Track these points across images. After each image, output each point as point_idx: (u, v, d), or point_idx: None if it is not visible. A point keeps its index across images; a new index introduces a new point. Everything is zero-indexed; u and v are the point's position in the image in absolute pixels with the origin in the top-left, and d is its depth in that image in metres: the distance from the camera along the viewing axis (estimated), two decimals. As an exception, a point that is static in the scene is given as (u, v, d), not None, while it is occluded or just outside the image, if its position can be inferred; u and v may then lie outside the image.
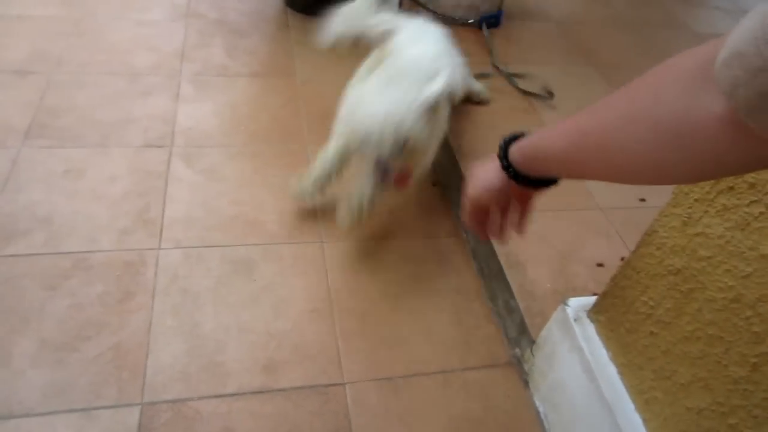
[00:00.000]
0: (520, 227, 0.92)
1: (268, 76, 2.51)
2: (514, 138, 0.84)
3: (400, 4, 2.80)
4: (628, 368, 1.19)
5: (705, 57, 0.49)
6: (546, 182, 0.84)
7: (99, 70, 2.35)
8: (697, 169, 0.52)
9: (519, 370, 1.55)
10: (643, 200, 1.98)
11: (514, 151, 0.82)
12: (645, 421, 1.14)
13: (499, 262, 1.68)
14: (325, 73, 2.59)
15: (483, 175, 0.89)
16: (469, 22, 2.84)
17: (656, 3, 3.58)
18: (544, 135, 0.76)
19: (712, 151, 0.49)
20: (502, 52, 2.73)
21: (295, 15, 2.94)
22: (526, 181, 0.83)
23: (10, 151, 1.91)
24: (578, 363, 1.29)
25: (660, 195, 1.11)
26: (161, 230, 1.75)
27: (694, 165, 0.52)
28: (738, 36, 0.43)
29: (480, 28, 2.82)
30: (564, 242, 1.81)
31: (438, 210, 2.00)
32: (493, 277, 1.71)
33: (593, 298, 1.32)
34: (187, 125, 2.16)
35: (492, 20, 2.85)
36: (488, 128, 2.22)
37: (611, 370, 1.23)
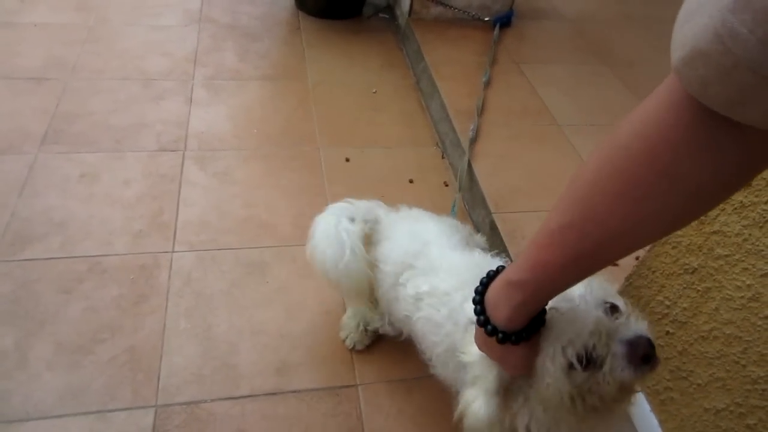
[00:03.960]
0: None
1: (280, 79, 2.52)
2: (481, 312, 0.73)
3: (411, 7, 2.80)
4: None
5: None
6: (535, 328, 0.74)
7: (113, 76, 2.38)
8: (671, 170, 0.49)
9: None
10: (658, 199, 1.95)
11: (508, 317, 0.70)
12: (661, 422, 1.12)
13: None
14: (336, 75, 2.59)
15: (516, 361, 0.76)
16: (485, 20, 2.83)
17: (670, -1, 3.53)
18: (533, 253, 0.64)
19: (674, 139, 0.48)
20: (514, 51, 2.72)
21: (306, 18, 2.95)
22: (530, 333, 0.72)
23: (27, 156, 1.94)
24: (593, 364, 1.27)
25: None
26: (175, 233, 1.76)
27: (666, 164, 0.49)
28: (693, 33, 0.41)
29: (493, 27, 2.81)
30: (578, 242, 1.78)
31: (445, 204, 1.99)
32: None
33: (608, 298, 1.30)
34: (200, 129, 2.17)
35: (504, 20, 2.84)
36: (500, 126, 2.21)
37: (627, 370, 1.21)
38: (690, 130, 0.47)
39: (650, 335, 0.73)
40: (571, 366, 0.73)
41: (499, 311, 0.70)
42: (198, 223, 1.80)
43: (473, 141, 2.07)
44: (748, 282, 0.93)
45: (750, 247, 0.92)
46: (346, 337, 1.51)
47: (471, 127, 2.12)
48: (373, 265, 1.28)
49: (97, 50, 2.51)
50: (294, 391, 1.42)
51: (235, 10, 2.94)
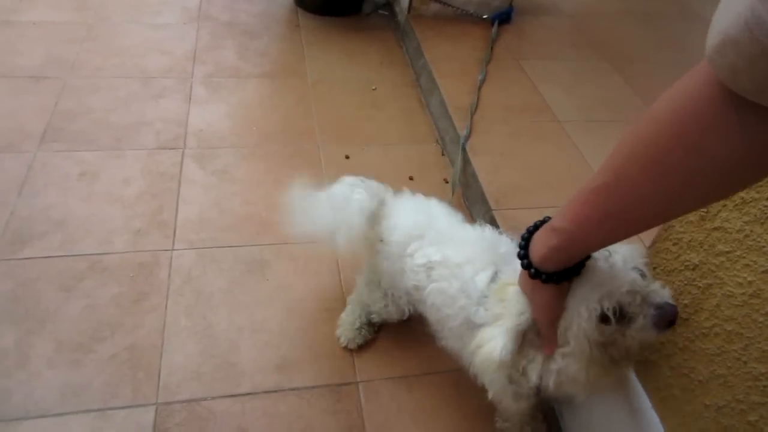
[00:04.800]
0: None
1: (280, 77, 2.52)
2: (525, 255, 0.83)
3: (410, 4, 2.79)
4: (644, 365, 1.17)
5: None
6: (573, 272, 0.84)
7: (112, 74, 2.37)
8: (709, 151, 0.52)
9: (534, 369, 1.53)
10: (659, 195, 1.94)
11: (542, 256, 0.80)
12: (662, 419, 1.12)
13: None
14: (335, 72, 2.59)
15: (542, 301, 0.86)
16: (483, 17, 2.83)
17: (671, -5, 3.52)
18: (574, 208, 0.72)
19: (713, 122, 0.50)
20: (514, 47, 2.71)
21: (305, 15, 2.95)
22: (560, 278, 0.82)
23: (26, 155, 1.94)
24: (594, 361, 1.26)
25: (675, 189, 1.08)
26: (174, 231, 1.76)
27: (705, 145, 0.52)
28: (726, 22, 0.42)
29: (492, 24, 2.80)
30: (579, 239, 1.78)
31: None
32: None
33: (608, 295, 1.30)
34: (199, 127, 2.17)
35: (504, 16, 2.83)
36: (500, 123, 2.21)
37: (628, 367, 1.21)
38: (721, 112, 0.48)
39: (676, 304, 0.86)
40: (604, 318, 0.82)
41: (537, 250, 0.80)
42: (198, 221, 1.80)
43: (467, 139, 2.06)
44: (749, 278, 0.92)
45: (751, 243, 0.92)
46: (341, 335, 1.51)
47: (465, 125, 2.11)
48: (374, 241, 1.31)
49: (96, 48, 2.51)
50: (294, 389, 1.42)
51: (234, 7, 2.93)
